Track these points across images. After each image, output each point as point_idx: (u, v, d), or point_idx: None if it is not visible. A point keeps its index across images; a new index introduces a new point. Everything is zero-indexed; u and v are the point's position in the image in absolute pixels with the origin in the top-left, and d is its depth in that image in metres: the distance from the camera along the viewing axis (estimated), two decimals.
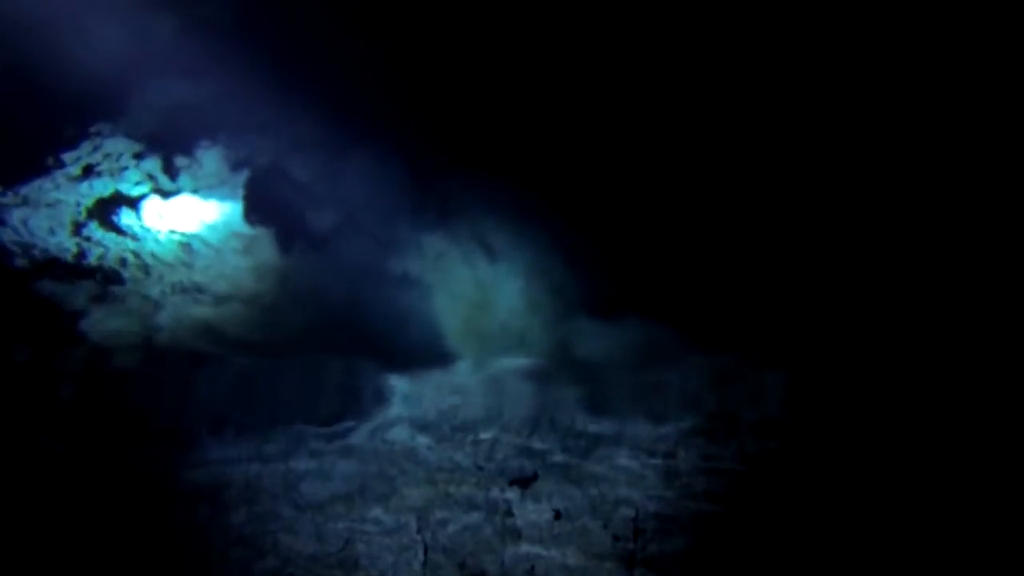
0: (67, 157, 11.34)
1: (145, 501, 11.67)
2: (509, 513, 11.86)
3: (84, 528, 11.16)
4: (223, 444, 12.91)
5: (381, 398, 16.55)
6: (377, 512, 11.54)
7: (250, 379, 18.07)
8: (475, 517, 11.69)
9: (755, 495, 11.73)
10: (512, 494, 12.26)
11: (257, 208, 13.56)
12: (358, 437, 13.20)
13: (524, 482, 12.70)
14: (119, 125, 11.68)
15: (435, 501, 11.89)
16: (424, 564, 11.00)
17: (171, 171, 12.31)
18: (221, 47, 13.42)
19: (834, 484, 10.74)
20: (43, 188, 11.64)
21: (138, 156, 11.94)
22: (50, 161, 11.34)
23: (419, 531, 11.37)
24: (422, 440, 13.18)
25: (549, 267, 17.90)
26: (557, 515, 11.62)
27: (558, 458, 13.29)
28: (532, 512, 11.70)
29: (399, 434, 13.28)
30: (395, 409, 13.92)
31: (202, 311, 14.63)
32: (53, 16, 10.95)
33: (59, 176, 11.57)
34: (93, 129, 11.48)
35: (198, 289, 14.66)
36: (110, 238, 13.05)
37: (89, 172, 11.70)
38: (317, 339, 18.65)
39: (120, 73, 11.48)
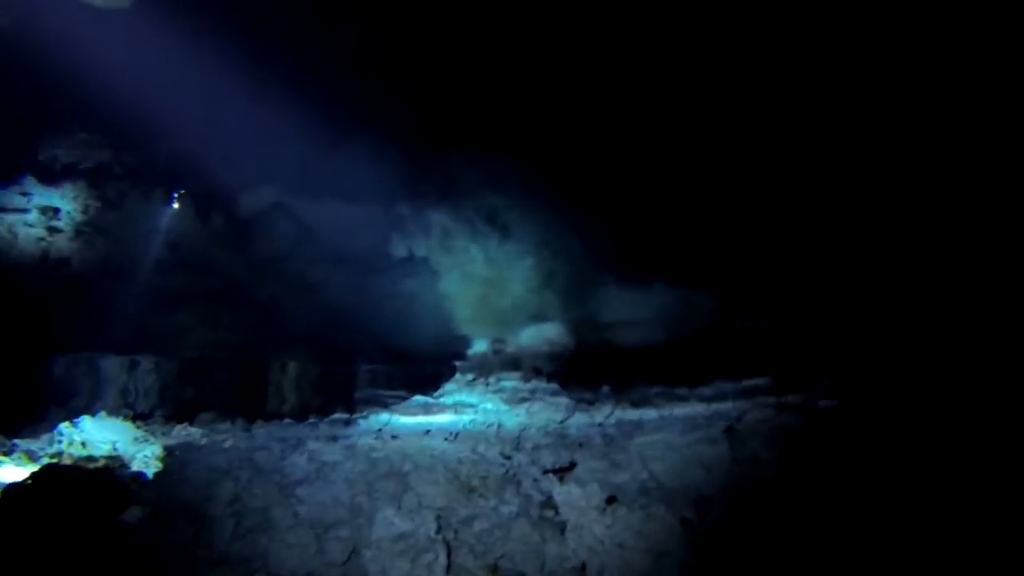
0: None
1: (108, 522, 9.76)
2: (548, 504, 9.88)
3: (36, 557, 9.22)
4: (210, 452, 11.06)
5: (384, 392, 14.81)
6: (388, 514, 9.58)
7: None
8: (507, 512, 9.72)
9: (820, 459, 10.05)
10: (549, 484, 10.30)
11: None
12: (362, 434, 11.33)
13: (561, 471, 10.77)
14: None
15: (457, 498, 9.93)
16: (448, 570, 8.98)
17: None
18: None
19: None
20: None
21: None
22: None
23: (439, 531, 9.39)
24: (437, 433, 11.31)
25: (563, 241, 16.56)
26: (610, 500, 9.62)
27: (598, 442, 11.39)
28: (577, 501, 9.71)
29: (410, 428, 11.41)
30: (404, 401, 12.11)
31: None
32: None
33: None
34: None
35: None
36: None
37: None
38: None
39: None
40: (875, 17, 12.64)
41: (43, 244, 16.06)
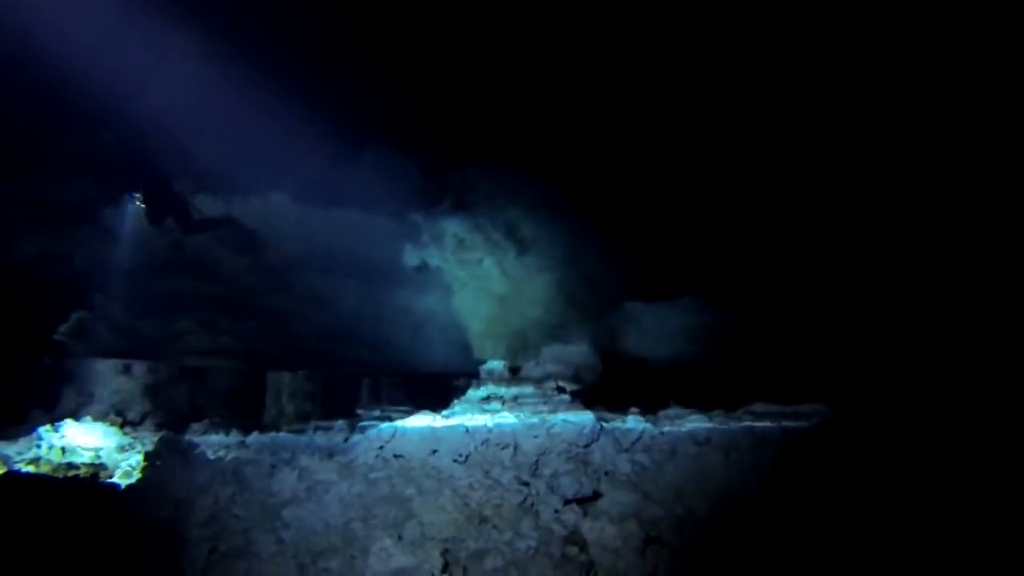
0: None
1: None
2: (572, 540, 8.53)
3: None
4: (193, 464, 9.89)
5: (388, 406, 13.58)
6: (386, 544, 8.30)
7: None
8: (523, 547, 8.38)
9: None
10: (573, 516, 8.96)
11: None
12: (362, 451, 10.11)
13: (585, 501, 9.44)
14: None
15: (466, 528, 8.63)
16: None
17: None
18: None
19: None
20: None
21: None
22: None
23: (445, 569, 8.08)
24: (445, 454, 10.04)
25: (585, 258, 15.69)
26: (650, 541, 8.23)
27: (625, 469, 10.05)
28: (611, 540, 8.35)
29: (415, 447, 10.17)
30: (409, 419, 10.89)
31: None
32: None
33: None
34: None
35: None
36: None
37: None
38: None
39: None
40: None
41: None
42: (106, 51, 14.42)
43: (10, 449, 12.88)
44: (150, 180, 17.01)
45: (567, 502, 9.28)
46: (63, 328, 15.35)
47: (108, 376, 15.76)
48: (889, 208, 13.77)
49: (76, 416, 14.13)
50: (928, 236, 13.41)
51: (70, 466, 12.55)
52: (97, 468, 12.55)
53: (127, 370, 15.98)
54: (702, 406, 12.25)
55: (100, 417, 14.69)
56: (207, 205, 17.77)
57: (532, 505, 9.04)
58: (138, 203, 15.72)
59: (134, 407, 15.70)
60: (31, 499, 8.80)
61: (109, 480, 11.18)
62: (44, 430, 13.08)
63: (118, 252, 15.93)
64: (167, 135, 15.87)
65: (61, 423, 13.30)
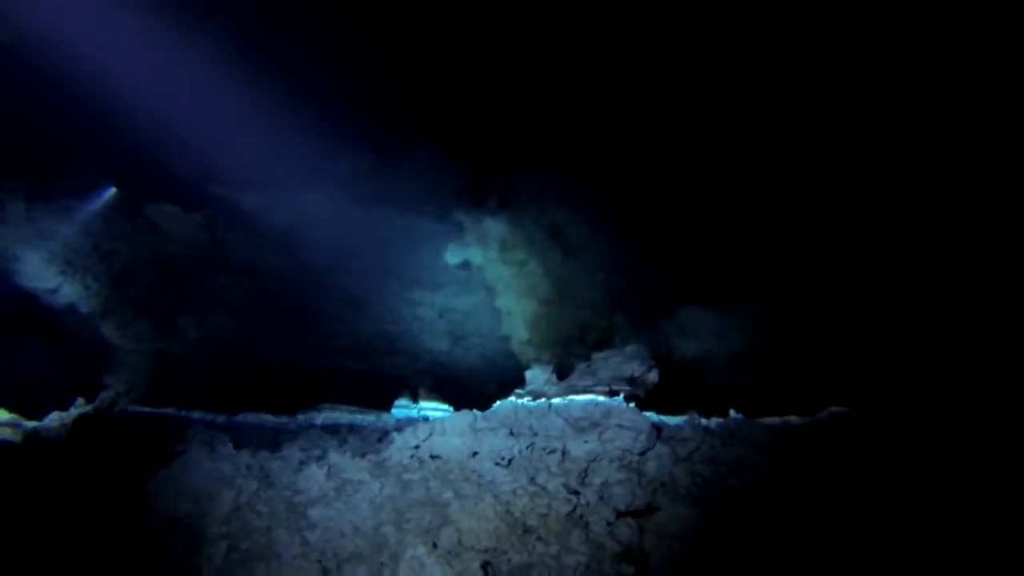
0: None
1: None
2: (627, 558, 7.51)
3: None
4: (218, 456, 9.24)
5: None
6: (419, 553, 7.43)
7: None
8: (572, 563, 7.41)
9: None
10: (628, 530, 7.94)
11: None
12: (396, 450, 9.31)
13: (639, 514, 8.42)
14: None
15: (509, 539, 7.71)
16: None
17: None
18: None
19: None
20: None
21: None
22: None
23: None
24: (486, 456, 9.17)
25: (632, 262, 14.91)
26: (710, 561, 7.18)
27: (685, 481, 9.01)
28: (675, 560, 7.31)
29: (453, 448, 9.32)
30: (448, 418, 10.07)
31: None
32: None
33: None
34: None
35: None
36: None
37: None
38: None
39: None
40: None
41: None
42: (138, 49, 14.30)
43: None
44: (184, 179, 16.93)
45: (620, 514, 8.28)
46: None
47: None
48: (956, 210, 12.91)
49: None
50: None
51: None
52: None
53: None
54: (761, 415, 11.32)
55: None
56: (246, 203, 17.60)
57: (582, 516, 8.07)
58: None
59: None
60: None
61: None
62: None
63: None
64: (201, 133, 15.77)
65: None
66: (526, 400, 11.09)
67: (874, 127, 13.18)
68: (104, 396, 15.19)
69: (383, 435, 10.72)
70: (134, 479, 9.23)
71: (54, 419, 13.17)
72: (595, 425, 9.63)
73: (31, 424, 12.42)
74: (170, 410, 13.95)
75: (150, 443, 10.57)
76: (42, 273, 15.31)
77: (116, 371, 15.72)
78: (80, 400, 14.39)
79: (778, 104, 14.06)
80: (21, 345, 16.44)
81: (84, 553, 7.91)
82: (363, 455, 9.38)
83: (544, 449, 9.27)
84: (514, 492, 8.28)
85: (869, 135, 13.29)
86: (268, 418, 11.74)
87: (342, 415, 11.75)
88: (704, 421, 10.29)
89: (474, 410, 10.12)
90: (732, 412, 11.20)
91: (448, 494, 8.29)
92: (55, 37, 13.48)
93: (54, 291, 15.52)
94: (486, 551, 7.58)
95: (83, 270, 15.85)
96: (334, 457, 9.03)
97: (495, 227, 14.03)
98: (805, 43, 13.36)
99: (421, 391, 12.07)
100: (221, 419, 11.76)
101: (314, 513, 8.05)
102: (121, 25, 13.82)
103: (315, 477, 8.62)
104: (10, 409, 12.77)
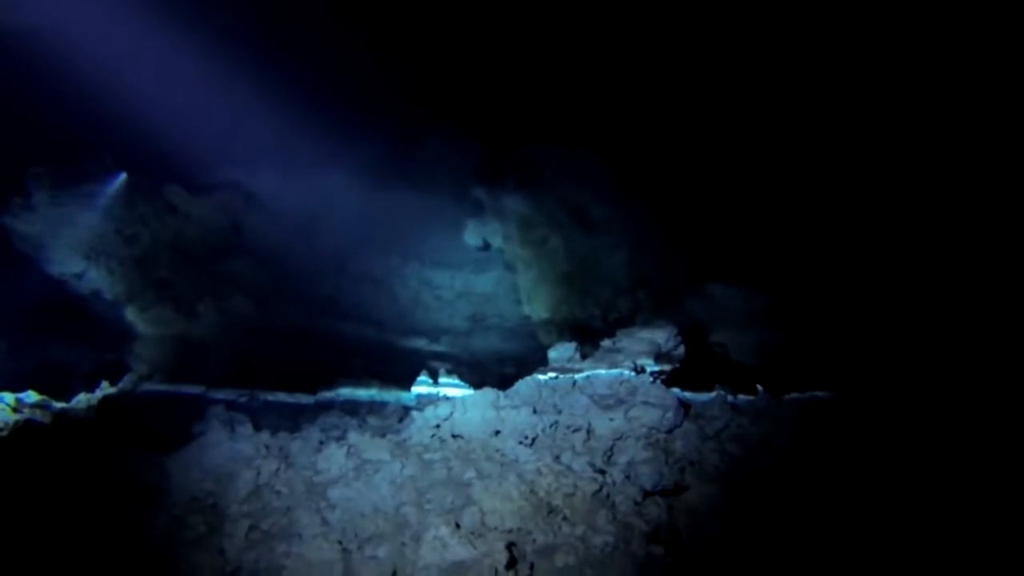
0: None
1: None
2: (656, 538, 7.24)
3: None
4: (239, 436, 9.15)
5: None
6: (442, 533, 7.25)
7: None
8: (600, 543, 7.17)
9: None
10: (656, 509, 7.67)
11: None
12: (417, 429, 9.11)
13: (667, 493, 8.14)
14: None
15: (533, 519, 7.49)
16: None
17: None
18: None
19: None
20: None
21: None
22: None
23: (511, 566, 6.97)
24: (509, 435, 8.93)
25: (655, 238, 14.49)
26: (744, 541, 6.88)
27: (713, 460, 8.69)
28: (708, 538, 7.02)
29: (475, 427, 9.09)
30: (469, 397, 9.83)
31: None
32: None
33: None
34: None
35: None
36: None
37: None
38: None
39: None
40: None
41: None
42: (158, 31, 14.16)
43: None
44: (202, 163, 16.88)
45: (648, 494, 8.00)
46: None
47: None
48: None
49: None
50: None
51: None
52: None
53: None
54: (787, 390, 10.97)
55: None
56: (264, 186, 17.53)
57: (608, 496, 7.81)
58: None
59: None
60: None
61: None
62: None
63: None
64: (220, 117, 15.65)
65: None
66: (551, 375, 10.82)
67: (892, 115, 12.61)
68: (128, 378, 15.26)
69: (403, 414, 10.56)
70: (157, 458, 9.20)
71: (81, 400, 13.31)
72: (620, 402, 9.32)
73: (59, 405, 12.58)
74: (192, 389, 14.00)
75: (172, 423, 10.61)
76: (68, 259, 15.35)
77: (139, 354, 15.80)
78: (105, 383, 14.51)
79: (802, 88, 13.67)
80: (50, 330, 16.58)
81: (109, 529, 7.90)
82: (383, 435, 9.22)
83: (568, 427, 9.01)
84: (538, 471, 8.05)
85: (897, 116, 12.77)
86: (287, 398, 11.63)
87: (362, 394, 11.61)
88: (731, 398, 9.91)
89: (496, 390, 9.87)
90: (759, 388, 10.83)
91: (470, 473, 8.09)
92: (74, 24, 13.41)
93: (80, 276, 15.58)
94: (510, 531, 7.37)
95: (107, 255, 15.85)
96: (354, 437, 8.88)
97: (515, 204, 13.68)
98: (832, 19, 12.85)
99: (441, 371, 11.84)
100: (242, 399, 11.65)
101: (334, 493, 7.91)
102: (141, 8, 13.69)
103: (335, 457, 8.48)
104: (39, 391, 12.90)
